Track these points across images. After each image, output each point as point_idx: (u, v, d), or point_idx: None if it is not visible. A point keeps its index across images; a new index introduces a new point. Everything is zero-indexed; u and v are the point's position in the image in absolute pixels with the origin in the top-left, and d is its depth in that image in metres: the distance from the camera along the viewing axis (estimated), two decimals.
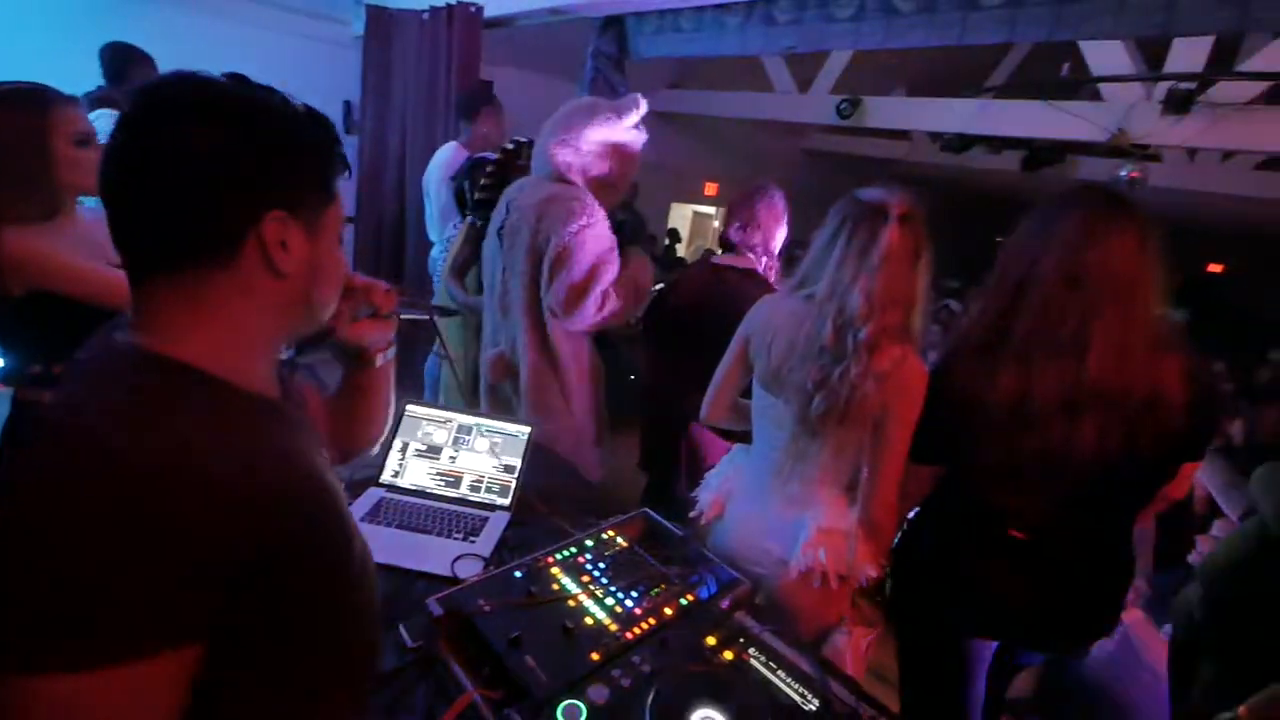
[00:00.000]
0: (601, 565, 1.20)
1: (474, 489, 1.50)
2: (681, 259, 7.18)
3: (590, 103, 1.91)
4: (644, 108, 1.85)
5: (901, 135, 6.61)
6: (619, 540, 1.29)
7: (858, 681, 1.05)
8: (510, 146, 2.35)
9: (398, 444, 1.53)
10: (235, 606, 0.52)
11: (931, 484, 1.37)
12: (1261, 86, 3.38)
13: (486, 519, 1.42)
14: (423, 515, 1.40)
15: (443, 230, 2.95)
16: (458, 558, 1.26)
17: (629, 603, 1.11)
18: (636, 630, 1.04)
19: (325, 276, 0.68)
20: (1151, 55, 3.69)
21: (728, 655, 1.02)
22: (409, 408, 1.57)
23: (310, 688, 0.64)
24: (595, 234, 1.78)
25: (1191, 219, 7.15)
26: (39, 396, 1.39)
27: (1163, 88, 3.60)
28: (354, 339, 0.90)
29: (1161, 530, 2.36)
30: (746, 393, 1.52)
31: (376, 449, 1.04)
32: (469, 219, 2.56)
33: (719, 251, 2.36)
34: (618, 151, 1.85)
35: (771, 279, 2.15)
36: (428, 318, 2.41)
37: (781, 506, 1.39)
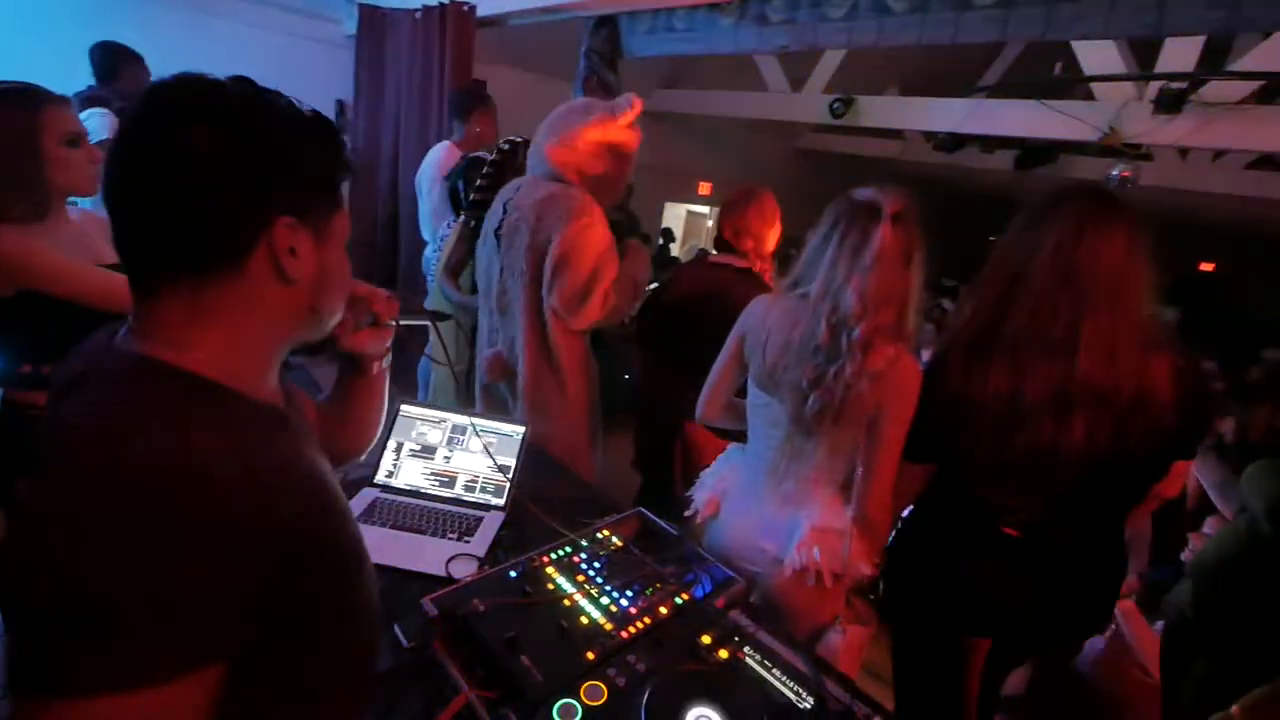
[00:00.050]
0: (596, 565, 1.20)
1: (469, 489, 1.50)
2: (675, 258, 7.18)
3: (586, 103, 1.91)
4: (640, 108, 1.85)
5: (895, 135, 6.62)
6: (614, 540, 1.29)
7: (852, 679, 1.06)
8: (506, 147, 2.34)
9: (392, 444, 1.53)
10: (250, 617, 0.52)
11: (925, 482, 1.37)
12: (1252, 86, 3.40)
13: (481, 519, 1.42)
14: (417, 515, 1.40)
15: (436, 230, 2.94)
16: (452, 558, 1.25)
17: (624, 602, 1.11)
18: (632, 629, 1.04)
19: (332, 283, 0.67)
20: (1143, 55, 3.71)
21: (723, 654, 1.02)
22: (403, 407, 1.56)
23: (311, 688, 0.64)
24: (596, 234, 1.78)
25: (1183, 218, 7.20)
26: (29, 397, 1.38)
27: (1154, 87, 3.62)
28: (354, 348, 0.89)
29: (1155, 527, 2.37)
30: (741, 392, 1.52)
31: (365, 455, 1.04)
32: (463, 218, 2.55)
33: (713, 251, 2.36)
34: (614, 151, 1.85)
35: (767, 280, 2.16)
36: (425, 324, 2.41)
37: (776, 505, 1.39)
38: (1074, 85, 4.35)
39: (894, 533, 1.45)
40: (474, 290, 2.52)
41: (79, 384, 0.58)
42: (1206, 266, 10.04)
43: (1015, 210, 1.27)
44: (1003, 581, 1.30)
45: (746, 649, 1.04)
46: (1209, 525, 2.31)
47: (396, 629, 1.03)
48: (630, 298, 1.91)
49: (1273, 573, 1.44)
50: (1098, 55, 3.82)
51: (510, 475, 1.50)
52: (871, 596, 2.19)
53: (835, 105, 5.16)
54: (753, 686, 0.97)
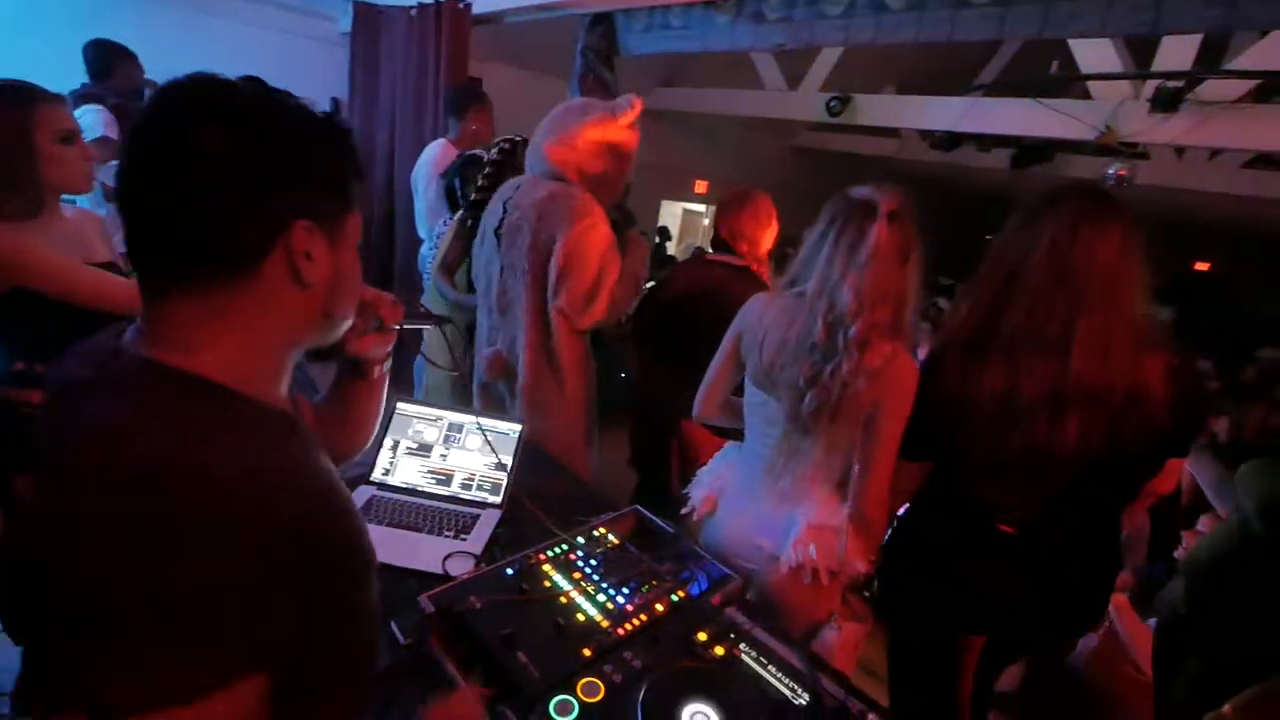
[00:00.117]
0: (593, 562, 1.20)
1: (465, 487, 1.50)
2: (672, 257, 7.17)
3: (586, 102, 1.91)
4: (640, 108, 1.85)
5: (891, 133, 6.62)
6: (610, 537, 1.29)
7: (847, 676, 1.06)
8: (507, 146, 2.34)
9: (388, 442, 1.53)
10: (275, 618, 0.52)
11: (921, 480, 1.38)
12: (1249, 85, 3.40)
13: (478, 516, 1.42)
14: (414, 513, 1.40)
15: (431, 227, 2.93)
16: (449, 555, 1.25)
17: (620, 599, 1.11)
18: (628, 626, 1.05)
19: (346, 287, 0.67)
20: (1140, 54, 3.72)
21: (719, 650, 1.02)
22: (400, 406, 1.56)
23: (311, 688, 0.64)
24: (599, 233, 1.79)
25: (1179, 217, 7.21)
26: (22, 395, 1.38)
27: (1151, 86, 3.62)
28: (359, 352, 0.89)
29: (1151, 524, 2.39)
30: (738, 390, 1.52)
31: (359, 455, 1.03)
32: (458, 216, 2.55)
33: (710, 249, 2.36)
34: (614, 151, 1.85)
35: (764, 278, 2.16)
36: (428, 327, 2.40)
37: (773, 503, 1.39)
38: (1070, 84, 4.36)
39: (890, 530, 1.45)
40: (469, 289, 2.52)
41: (90, 391, 0.57)
42: (1202, 266, 10.06)
43: (1011, 209, 1.27)
44: (998, 579, 1.30)
45: (742, 646, 1.04)
46: (1203, 523, 2.32)
47: (393, 626, 1.03)
48: (632, 294, 1.92)
49: (1265, 571, 1.45)
50: (1094, 54, 3.83)
51: (507, 473, 1.50)
52: (867, 594, 2.19)
53: (832, 103, 5.15)
54: (748, 683, 0.98)
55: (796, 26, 3.00)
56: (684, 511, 1.56)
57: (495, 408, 2.05)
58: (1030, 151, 5.83)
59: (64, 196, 1.48)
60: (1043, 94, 4.22)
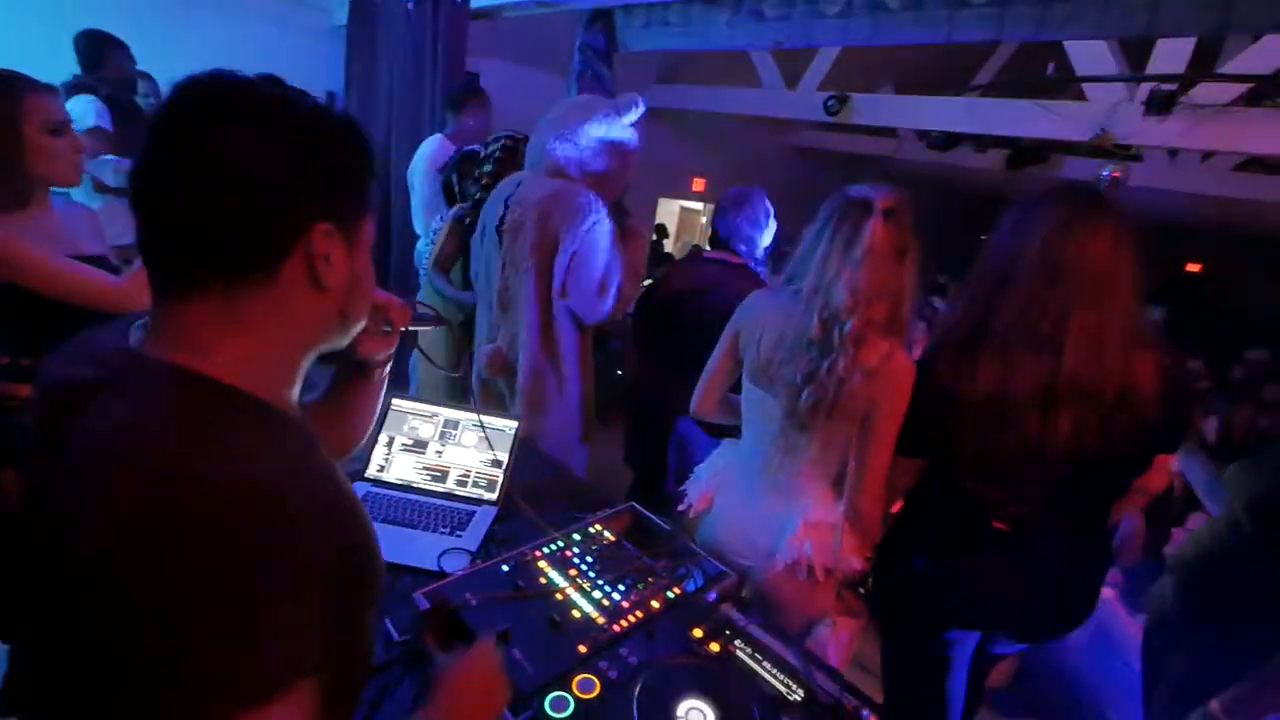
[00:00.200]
0: (589, 559, 1.20)
1: (461, 483, 1.49)
2: (669, 254, 7.18)
3: (589, 100, 1.92)
4: (643, 108, 1.86)
5: (889, 133, 6.63)
6: (606, 534, 1.29)
7: (841, 672, 1.06)
8: (509, 144, 2.33)
9: (384, 438, 1.52)
10: (292, 631, 0.51)
11: (915, 477, 1.38)
12: (1241, 88, 3.44)
13: (473, 513, 1.42)
14: (409, 510, 1.40)
15: (428, 223, 2.93)
16: (444, 552, 1.25)
17: (616, 596, 1.11)
18: (624, 623, 1.05)
19: (362, 290, 0.66)
20: (1135, 56, 3.74)
21: (714, 647, 1.03)
22: (395, 402, 1.55)
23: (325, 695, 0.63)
24: (604, 230, 1.79)
25: (1171, 219, 7.25)
26: (9, 389, 1.37)
27: (1145, 88, 3.65)
28: (366, 355, 0.88)
29: (1145, 523, 2.40)
30: (735, 388, 1.52)
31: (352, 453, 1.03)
32: (454, 212, 2.54)
33: (707, 247, 2.37)
34: (616, 149, 1.85)
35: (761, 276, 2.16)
36: (433, 328, 2.39)
37: (769, 500, 1.40)
38: (1066, 85, 4.38)
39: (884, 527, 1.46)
40: (465, 285, 2.51)
41: (99, 391, 0.55)
42: (1193, 267, 10.13)
43: (1007, 209, 1.28)
44: (992, 576, 1.31)
45: (738, 642, 1.04)
46: (1193, 522, 2.34)
47: (388, 623, 1.03)
48: (633, 287, 1.92)
49: (1253, 570, 1.46)
50: (1090, 56, 3.85)
51: (503, 470, 1.50)
52: (862, 590, 2.20)
53: (829, 103, 5.15)
54: (744, 679, 0.98)
55: (795, 25, 3.01)
56: (680, 508, 1.56)
57: (494, 404, 2.04)
58: (1026, 152, 5.86)
59: (55, 190, 1.47)
60: (1039, 95, 4.24)
